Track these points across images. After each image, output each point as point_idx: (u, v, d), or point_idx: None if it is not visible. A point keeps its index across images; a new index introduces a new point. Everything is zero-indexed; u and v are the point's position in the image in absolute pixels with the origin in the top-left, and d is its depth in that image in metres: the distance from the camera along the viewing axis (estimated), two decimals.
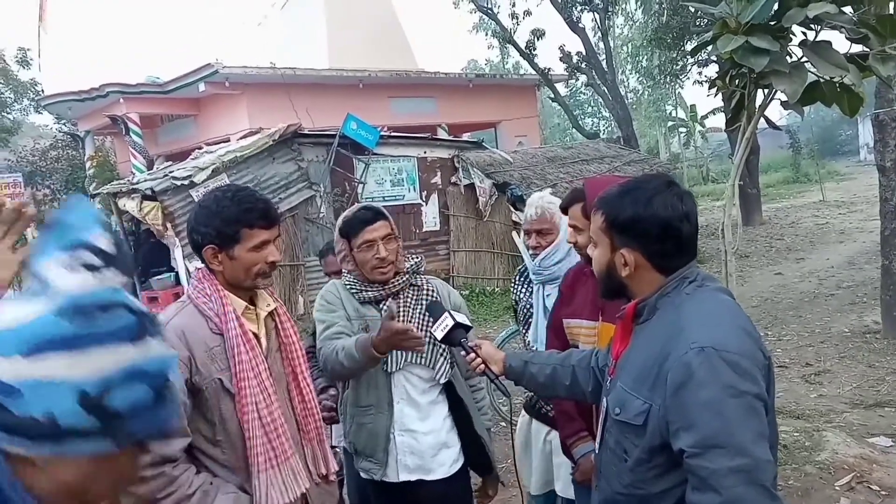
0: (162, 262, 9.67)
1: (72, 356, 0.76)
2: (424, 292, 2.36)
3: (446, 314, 2.02)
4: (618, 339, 1.60)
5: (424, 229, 11.13)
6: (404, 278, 2.34)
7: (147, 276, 9.56)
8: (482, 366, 1.92)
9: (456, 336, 1.98)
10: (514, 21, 17.20)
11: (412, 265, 2.38)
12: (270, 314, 1.99)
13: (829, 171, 25.68)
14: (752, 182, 15.62)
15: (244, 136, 10.44)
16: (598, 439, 1.64)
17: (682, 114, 32.04)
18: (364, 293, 2.34)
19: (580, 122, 21.34)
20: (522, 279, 2.79)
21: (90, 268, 0.81)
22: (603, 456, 1.60)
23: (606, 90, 16.97)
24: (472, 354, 1.94)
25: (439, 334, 2.00)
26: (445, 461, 2.37)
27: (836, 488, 3.69)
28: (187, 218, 1.94)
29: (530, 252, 2.62)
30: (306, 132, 10.08)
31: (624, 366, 1.54)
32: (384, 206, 2.45)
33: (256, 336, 1.91)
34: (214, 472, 1.81)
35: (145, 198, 8.61)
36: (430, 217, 11.21)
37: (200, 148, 10.79)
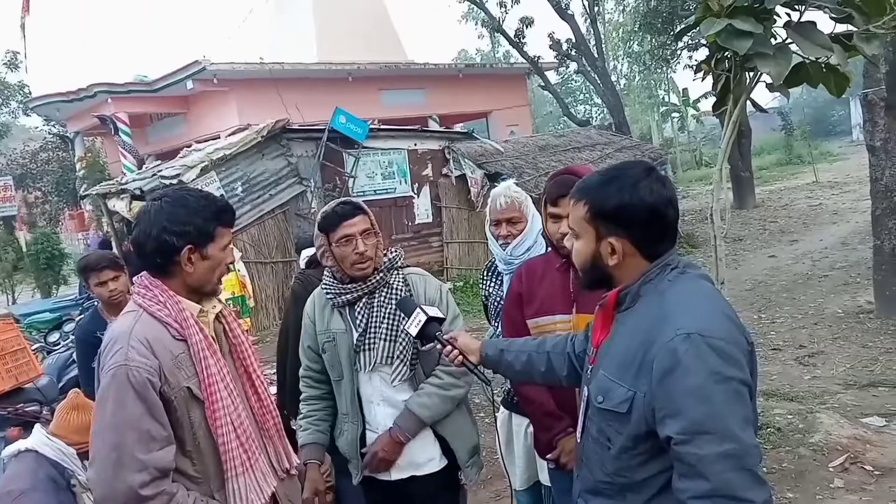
0: None
1: None
2: (395, 291, 2.34)
3: (418, 310, 2.00)
4: (598, 328, 1.58)
5: (417, 221, 11.10)
6: (379, 276, 2.32)
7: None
8: (459, 357, 1.91)
9: (430, 330, 1.97)
10: (503, 10, 17.11)
11: (387, 261, 2.36)
12: (217, 317, 1.95)
13: (821, 152, 25.67)
14: (745, 165, 15.59)
15: (233, 133, 10.38)
16: (579, 428, 1.62)
17: (674, 98, 32.02)
18: (339, 297, 2.33)
19: (572, 110, 21.30)
20: (490, 273, 2.79)
21: None
22: (585, 444, 1.58)
23: (597, 77, 16.92)
24: (449, 347, 1.92)
25: (413, 330, 1.98)
26: (435, 455, 2.36)
27: (830, 469, 3.69)
28: (145, 221, 1.81)
29: (500, 242, 2.61)
30: (295, 127, 10.04)
31: (606, 354, 1.51)
32: (375, 200, 2.43)
33: (215, 338, 1.88)
34: (183, 485, 1.76)
35: (134, 198, 8.56)
36: (423, 209, 11.17)
37: (190, 146, 10.74)
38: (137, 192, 8.52)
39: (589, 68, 16.91)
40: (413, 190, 11.06)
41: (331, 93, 13.51)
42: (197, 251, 1.81)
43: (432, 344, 2.00)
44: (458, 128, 15.10)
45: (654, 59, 17.99)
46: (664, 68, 22.21)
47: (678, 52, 16.87)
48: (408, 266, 2.46)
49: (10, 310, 10.68)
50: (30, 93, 22.79)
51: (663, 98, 33.76)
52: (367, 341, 2.30)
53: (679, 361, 1.32)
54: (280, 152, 9.70)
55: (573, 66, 18.53)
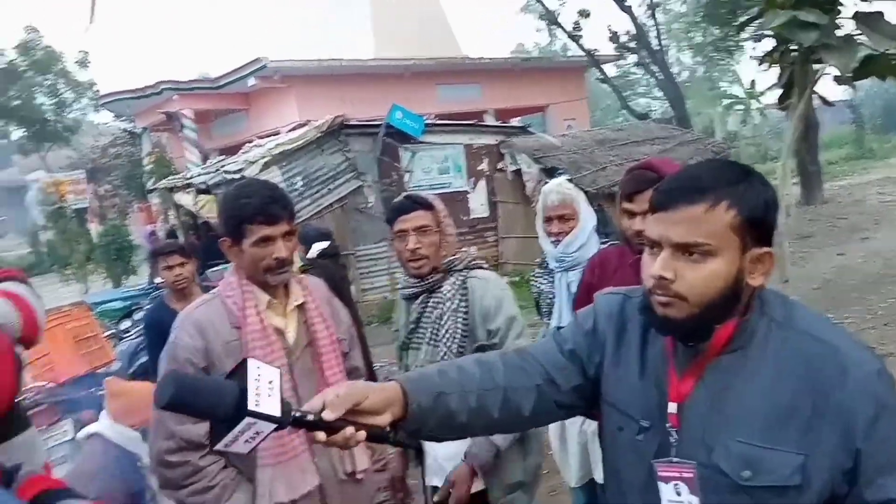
0: (221, 254, 9.93)
1: None
2: (446, 295, 2.21)
3: (251, 370, 1.03)
4: (674, 377, 1.19)
5: (472, 216, 11.13)
6: (437, 276, 2.22)
7: (206, 268, 9.85)
8: (358, 434, 1.07)
9: (287, 409, 1.05)
10: (560, 2, 16.95)
11: (446, 263, 2.24)
12: (300, 308, 1.99)
13: (894, 146, 24.56)
14: (812, 159, 15.04)
15: (293, 129, 10.61)
16: None
17: (738, 90, 31.07)
18: (404, 290, 2.33)
19: (631, 103, 20.93)
20: (542, 271, 2.78)
21: None
22: None
23: (657, 69, 16.60)
24: (325, 428, 1.07)
25: (274, 409, 1.02)
26: None
27: None
28: None
29: (552, 239, 2.60)
30: (353, 123, 10.19)
31: (716, 412, 1.14)
32: (431, 195, 2.38)
33: (280, 331, 1.94)
34: (222, 463, 1.87)
35: (200, 192, 8.87)
36: (478, 204, 11.19)
37: (251, 141, 11.02)
38: (202, 187, 8.81)
39: (648, 60, 16.61)
40: (469, 185, 11.09)
41: (387, 88, 13.65)
42: (234, 244, 1.89)
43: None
44: (514, 122, 15.06)
45: (716, 50, 17.52)
46: (727, 60, 21.59)
47: (742, 43, 16.38)
48: (477, 268, 2.30)
49: (83, 299, 11.20)
50: (99, 90, 23.84)
51: (726, 90, 32.81)
52: (412, 341, 2.28)
53: (885, 406, 1.08)
54: (338, 148, 9.86)
55: (632, 58, 18.23)
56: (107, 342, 4.76)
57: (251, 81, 14.07)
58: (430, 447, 2.13)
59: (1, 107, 22.73)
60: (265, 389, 1.01)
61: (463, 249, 2.34)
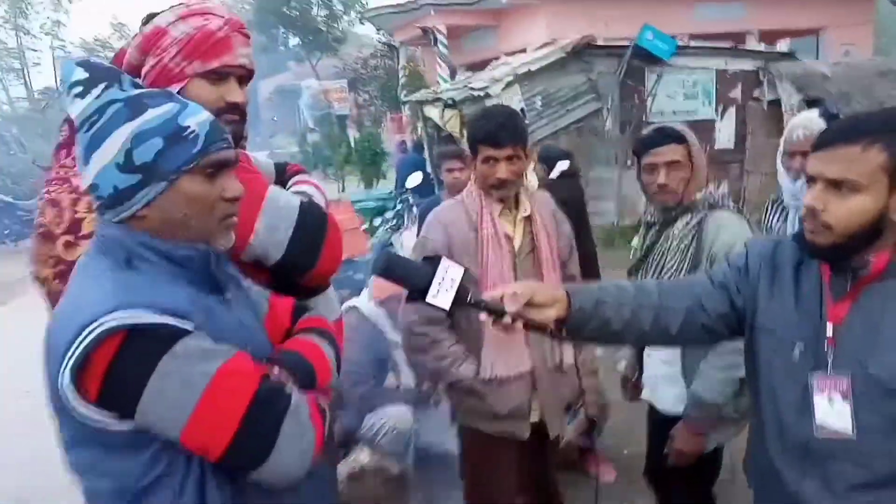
0: None
1: (99, 150, 1.16)
2: (678, 232, 2.22)
3: (443, 263, 1.35)
4: (830, 303, 1.35)
5: (716, 147, 10.51)
6: (678, 210, 2.23)
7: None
8: (516, 324, 1.35)
9: (462, 295, 1.36)
10: None
11: (691, 201, 2.23)
12: (527, 219, 2.28)
13: None
14: None
15: (539, 48, 10.68)
16: (833, 423, 1.33)
17: None
18: (646, 215, 2.46)
19: None
20: (775, 206, 2.69)
21: (79, 95, 1.18)
22: (861, 440, 1.30)
23: None
24: (490, 312, 1.37)
25: (445, 301, 1.34)
26: None
27: None
28: None
29: (792, 175, 2.51)
30: (600, 43, 9.99)
31: (871, 331, 1.30)
32: (673, 122, 2.43)
33: (509, 237, 2.23)
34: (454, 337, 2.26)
35: (447, 106, 9.41)
36: (725, 134, 10.52)
37: (498, 58, 11.32)
38: (449, 102, 9.34)
39: None
40: (716, 113, 10.44)
41: (640, 6, 13.01)
42: (473, 159, 2.24)
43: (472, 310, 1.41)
44: (779, 46, 13.62)
45: None
46: None
47: None
48: (722, 209, 2.24)
49: (340, 197, 12.61)
50: (366, 3, 25.58)
51: None
52: (639, 268, 2.39)
53: None
54: (581, 68, 9.78)
55: None
56: (364, 235, 5.49)
57: None
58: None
59: (283, 16, 25.32)
60: (447, 284, 1.33)
61: (710, 186, 2.31)
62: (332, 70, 26.03)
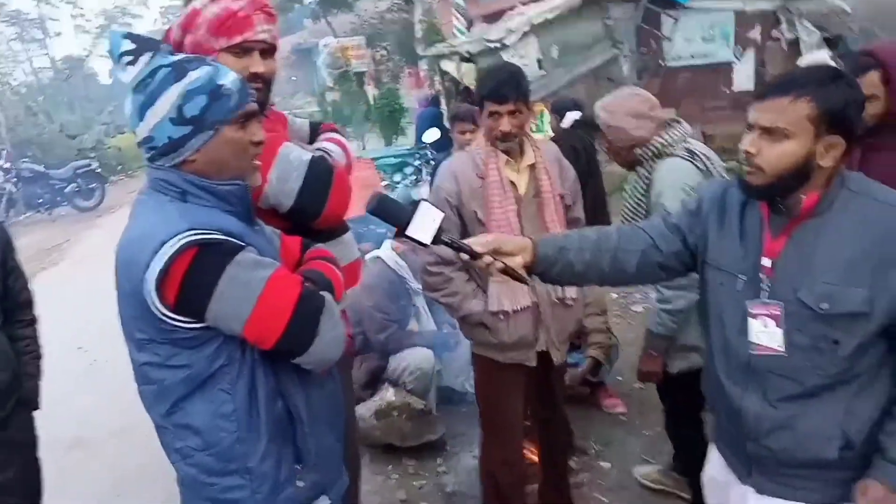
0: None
1: (153, 108, 1.39)
2: (632, 182, 2.62)
3: (422, 205, 1.56)
4: (769, 239, 1.53)
5: (735, 89, 10.42)
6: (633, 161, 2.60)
7: None
8: (497, 264, 1.59)
9: (440, 235, 1.57)
10: None
11: (642, 152, 2.53)
12: (532, 167, 2.48)
13: None
14: None
15: None
16: (767, 342, 1.52)
17: None
18: None
19: None
20: None
21: (130, 63, 1.41)
22: (790, 356, 1.50)
23: None
24: (470, 253, 1.59)
25: (427, 236, 1.55)
26: None
27: None
28: None
29: None
30: None
31: (802, 262, 1.47)
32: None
33: (514, 183, 2.44)
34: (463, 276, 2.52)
35: (463, 60, 9.45)
36: (744, 75, 10.38)
37: (514, 8, 11.23)
38: (466, 55, 9.37)
39: None
40: (735, 55, 10.32)
41: None
42: (480, 112, 2.44)
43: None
44: None
45: None
46: None
47: None
48: (674, 156, 2.44)
49: (361, 154, 12.73)
50: None
51: None
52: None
53: None
54: (598, 15, 9.72)
55: None
56: (385, 190, 5.68)
57: None
58: None
59: None
60: (429, 224, 1.53)
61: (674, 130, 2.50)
62: (348, 26, 25.82)
